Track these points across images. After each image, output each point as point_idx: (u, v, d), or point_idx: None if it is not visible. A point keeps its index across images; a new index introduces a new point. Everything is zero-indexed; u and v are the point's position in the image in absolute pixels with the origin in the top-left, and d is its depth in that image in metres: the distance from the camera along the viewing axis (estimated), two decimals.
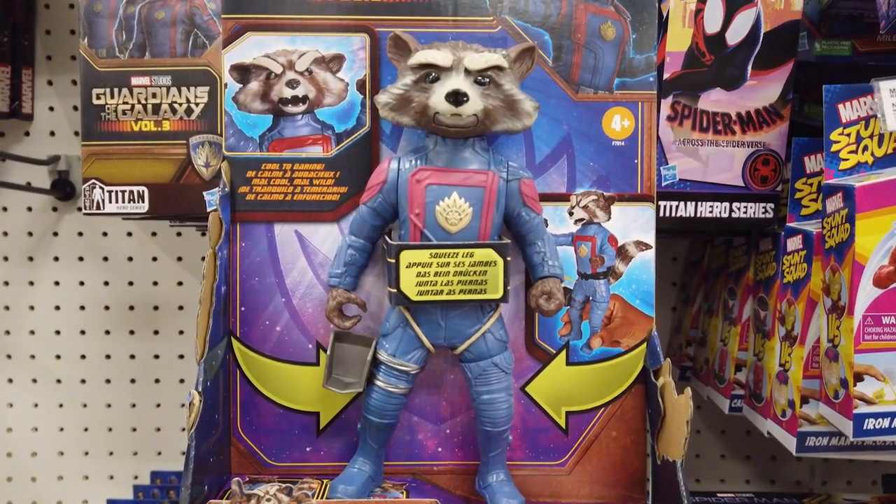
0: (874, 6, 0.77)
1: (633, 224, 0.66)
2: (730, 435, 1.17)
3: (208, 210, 0.83)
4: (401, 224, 0.60)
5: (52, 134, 1.13)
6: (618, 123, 0.65)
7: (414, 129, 0.60)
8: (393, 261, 0.57)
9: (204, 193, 0.82)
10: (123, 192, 0.85)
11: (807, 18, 0.87)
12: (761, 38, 0.82)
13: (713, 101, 0.82)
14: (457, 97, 0.55)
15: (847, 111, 0.78)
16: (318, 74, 0.63)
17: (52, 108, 1.12)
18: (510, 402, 0.62)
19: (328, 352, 0.61)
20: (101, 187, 0.86)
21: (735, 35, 0.82)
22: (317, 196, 0.64)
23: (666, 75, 0.82)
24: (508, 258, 0.58)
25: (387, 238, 0.61)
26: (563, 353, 0.66)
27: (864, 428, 0.71)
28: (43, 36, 1.12)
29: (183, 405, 1.15)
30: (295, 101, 0.63)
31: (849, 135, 0.78)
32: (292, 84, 0.63)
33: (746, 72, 0.82)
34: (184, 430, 1.18)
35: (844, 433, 0.71)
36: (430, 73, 0.57)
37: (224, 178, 0.62)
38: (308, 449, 0.65)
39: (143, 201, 0.85)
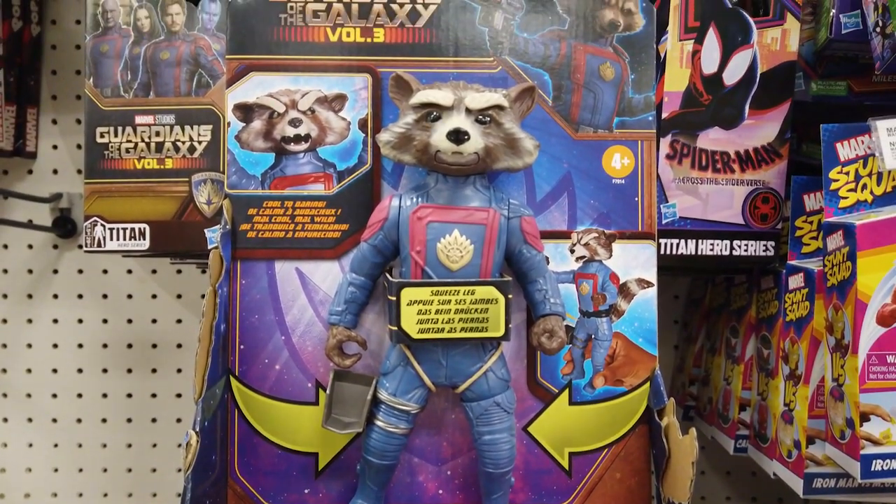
0: (868, 48, 0.78)
1: (635, 262, 0.66)
2: (735, 476, 1.16)
3: (209, 247, 0.84)
4: (402, 261, 0.60)
5: (55, 172, 1.14)
6: (618, 162, 0.65)
7: (415, 166, 0.61)
8: (394, 298, 0.57)
9: (205, 231, 0.84)
10: (125, 229, 0.86)
11: (802, 59, 0.88)
12: (758, 79, 0.83)
13: (712, 139, 0.84)
14: (458, 136, 0.55)
15: (845, 150, 0.78)
16: (320, 113, 0.64)
17: (55, 147, 1.14)
18: (512, 442, 0.61)
19: (328, 391, 0.61)
20: (102, 224, 0.86)
21: (732, 75, 0.83)
22: (318, 233, 0.64)
23: (664, 114, 0.83)
24: (510, 296, 0.58)
25: (388, 275, 0.61)
26: (566, 392, 0.65)
27: (872, 469, 0.70)
28: (49, 76, 1.13)
29: (179, 445, 1.14)
30: (297, 139, 0.64)
31: (847, 173, 0.78)
32: (295, 123, 0.63)
33: (744, 111, 0.84)
34: (180, 470, 1.16)
35: (852, 475, 0.70)
36: (432, 113, 0.57)
37: (226, 215, 0.63)
38: (306, 491, 0.63)
39: (145, 238, 0.86)
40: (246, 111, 0.64)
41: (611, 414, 0.65)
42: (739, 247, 0.86)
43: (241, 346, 0.63)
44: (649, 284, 0.66)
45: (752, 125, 0.84)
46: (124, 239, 0.86)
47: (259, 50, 0.64)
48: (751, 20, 0.83)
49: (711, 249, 0.85)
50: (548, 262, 0.64)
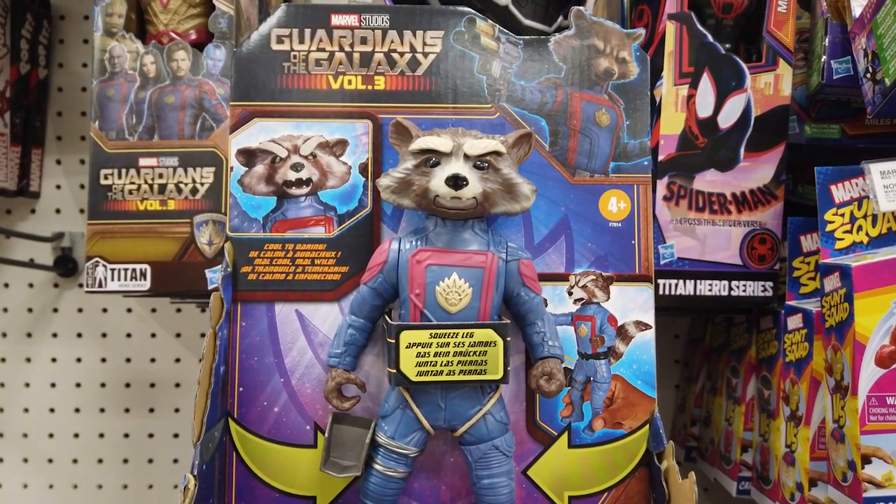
0: (860, 92, 0.80)
1: (633, 304, 0.66)
2: None
3: (210, 287, 0.85)
4: (401, 304, 0.61)
5: (58, 211, 1.16)
6: (614, 205, 0.66)
7: (414, 210, 0.61)
8: (392, 341, 0.58)
9: (206, 271, 0.85)
10: (126, 269, 0.87)
11: (796, 103, 0.90)
12: (752, 122, 0.85)
13: (708, 181, 0.85)
14: (456, 181, 0.56)
15: (840, 192, 0.79)
16: (321, 158, 0.65)
17: (59, 187, 1.16)
18: (512, 486, 0.61)
19: (326, 434, 0.61)
20: (104, 265, 0.87)
21: (727, 119, 0.85)
22: (318, 276, 0.65)
23: (661, 157, 0.85)
24: (508, 338, 0.59)
25: (387, 318, 0.61)
26: (565, 435, 0.65)
27: None
28: (54, 117, 1.16)
29: (176, 486, 1.14)
30: (299, 183, 0.65)
31: (843, 215, 0.79)
32: (297, 167, 0.65)
33: (739, 154, 0.86)
34: None
35: None
36: (431, 158, 0.58)
37: (227, 258, 0.63)
38: None
39: (146, 279, 0.87)
40: (249, 156, 0.65)
41: (610, 457, 0.65)
42: (738, 287, 0.87)
43: (241, 389, 0.63)
44: (647, 327, 0.66)
45: (748, 167, 0.86)
46: (125, 279, 0.87)
47: (262, 97, 0.66)
48: (744, 65, 0.85)
49: (710, 290, 0.86)
50: (546, 305, 0.64)
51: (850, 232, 0.80)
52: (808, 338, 0.82)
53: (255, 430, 0.63)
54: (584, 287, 0.66)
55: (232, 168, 0.65)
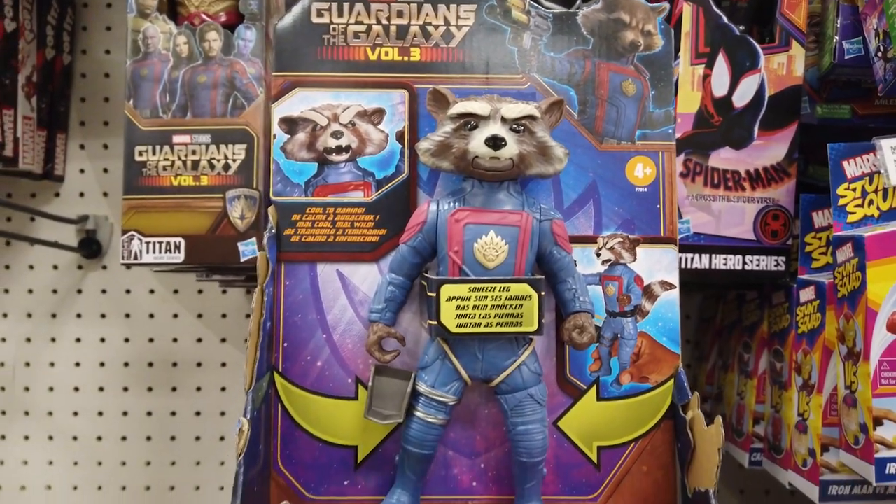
0: (871, 72, 0.82)
1: (658, 265, 0.69)
2: (749, 494, 1.16)
3: (242, 259, 0.87)
4: (439, 262, 0.63)
5: (82, 195, 1.17)
6: (640, 171, 0.69)
7: (452, 173, 0.64)
8: (434, 294, 0.60)
9: (238, 244, 0.86)
10: (161, 242, 0.88)
11: (808, 84, 0.92)
12: (766, 101, 0.87)
13: (723, 158, 0.87)
14: (495, 141, 0.59)
15: (851, 167, 0.81)
16: (360, 126, 0.68)
17: (82, 171, 1.17)
18: (545, 433, 0.64)
19: (369, 385, 0.63)
20: (139, 238, 0.88)
21: (741, 98, 0.87)
22: (358, 238, 0.67)
23: (678, 135, 0.87)
24: (542, 293, 0.61)
25: (425, 275, 0.64)
26: (594, 388, 0.68)
27: (887, 472, 0.71)
28: (78, 103, 1.17)
29: (199, 463, 1.15)
30: (339, 150, 0.67)
31: (854, 189, 0.81)
32: (336, 135, 0.67)
33: (753, 132, 0.87)
34: (198, 488, 1.17)
35: (867, 479, 0.71)
36: (470, 122, 0.61)
37: (271, 220, 0.66)
38: (346, 482, 0.66)
39: (180, 252, 0.87)
40: (290, 124, 0.67)
41: (637, 409, 0.68)
42: (751, 262, 0.89)
43: (285, 344, 0.66)
44: (672, 286, 0.69)
45: (762, 145, 0.88)
46: (160, 252, 0.88)
47: (303, 67, 0.68)
48: (758, 47, 0.87)
49: (724, 264, 0.88)
50: (576, 265, 0.67)
51: (861, 206, 0.81)
52: (820, 308, 0.84)
53: (299, 384, 0.66)
54: (611, 249, 0.68)
55: (275, 136, 0.67)
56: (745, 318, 1.05)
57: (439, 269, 0.64)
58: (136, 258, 0.89)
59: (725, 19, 0.86)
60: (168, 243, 0.88)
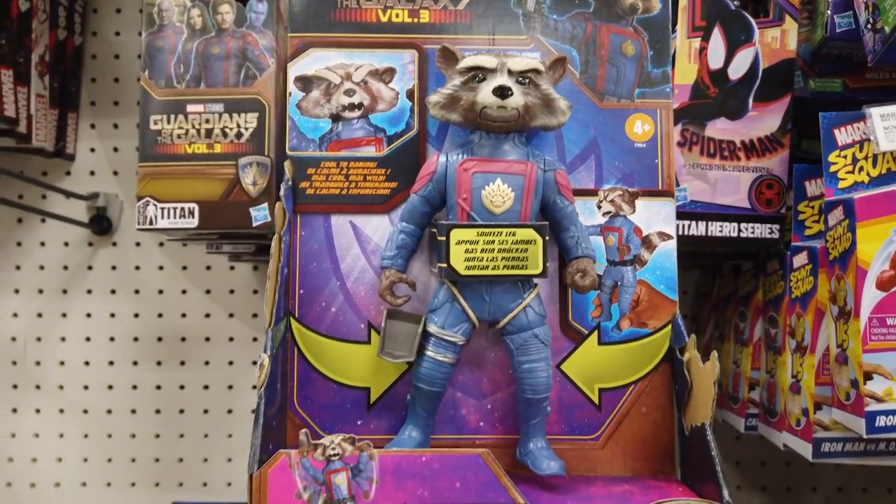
0: (861, 45, 0.84)
1: (656, 217, 0.72)
2: (745, 465, 1.16)
3: (255, 224, 0.88)
4: (448, 210, 0.66)
5: (92, 173, 1.17)
6: (639, 128, 0.72)
7: (460, 126, 0.67)
8: (444, 238, 0.63)
9: (251, 209, 0.86)
10: (175, 208, 0.88)
11: (800, 59, 0.94)
12: (760, 74, 0.88)
13: (719, 129, 0.89)
14: (503, 91, 0.62)
15: (843, 135, 0.83)
16: (372, 85, 0.70)
17: (93, 150, 1.17)
18: (549, 371, 0.67)
19: (381, 328, 0.66)
20: (154, 204, 0.89)
21: (736, 71, 0.89)
22: (370, 191, 0.70)
23: (675, 105, 0.88)
24: (547, 237, 0.64)
25: (436, 222, 0.66)
26: (595, 333, 0.71)
27: (877, 425, 0.73)
28: (89, 83, 1.18)
29: (207, 436, 1.16)
30: (351, 107, 0.70)
31: (845, 157, 0.83)
32: (349, 93, 0.70)
33: (748, 104, 0.89)
34: (206, 460, 1.16)
35: (857, 432, 0.73)
36: (478, 75, 0.64)
37: (287, 174, 0.69)
38: (359, 422, 0.69)
39: (194, 217, 0.88)
40: (306, 82, 0.70)
41: (636, 353, 0.71)
42: (746, 229, 0.90)
43: (301, 291, 0.69)
44: (669, 237, 0.72)
45: (756, 117, 0.89)
46: (175, 217, 0.88)
47: (318, 29, 0.71)
48: (752, 21, 0.89)
49: (720, 231, 0.90)
50: (577, 216, 0.70)
51: (852, 172, 0.83)
52: (812, 272, 0.86)
53: (315, 328, 0.69)
54: (611, 201, 0.71)
55: (290, 93, 0.70)
56: (740, 288, 1.07)
57: (448, 216, 0.67)
58: (151, 224, 0.90)
59: None
60: (182, 209, 0.89)
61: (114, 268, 1.17)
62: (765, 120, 0.89)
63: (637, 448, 0.70)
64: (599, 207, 0.72)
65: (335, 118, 0.70)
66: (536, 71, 0.65)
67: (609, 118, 0.72)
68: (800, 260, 0.88)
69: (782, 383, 0.91)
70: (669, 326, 0.71)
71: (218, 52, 0.89)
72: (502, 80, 0.63)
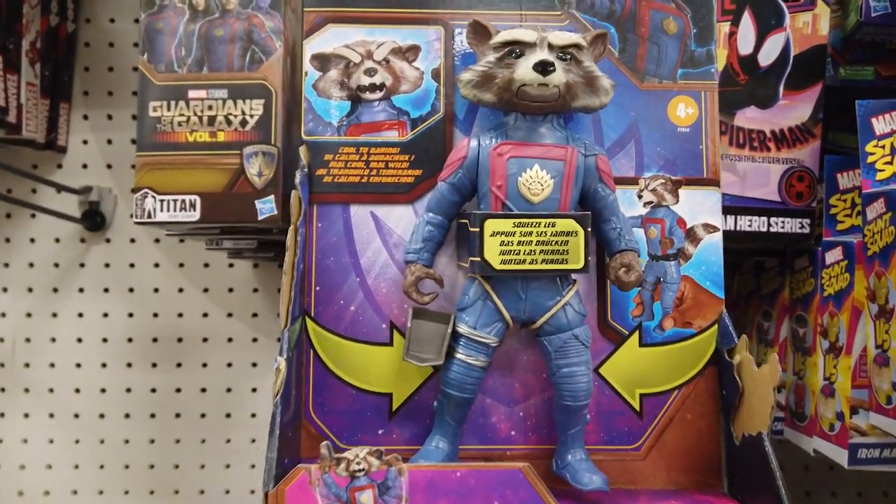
0: (894, 31, 0.81)
1: (700, 207, 0.68)
2: None
3: (260, 218, 0.84)
4: (480, 199, 0.61)
5: (85, 167, 1.14)
6: (682, 111, 0.68)
7: (493, 107, 0.62)
8: (477, 229, 0.58)
9: (256, 202, 0.82)
10: (175, 200, 0.84)
11: (831, 46, 0.91)
12: (791, 61, 0.85)
13: (748, 118, 0.86)
14: (544, 67, 0.57)
15: (880, 125, 0.80)
16: (394, 63, 0.66)
17: (85, 142, 1.14)
18: (590, 375, 0.62)
19: (407, 326, 0.61)
20: (153, 196, 0.86)
21: (767, 57, 0.86)
22: (392, 179, 0.66)
23: None
24: (589, 229, 0.60)
25: (466, 212, 0.62)
26: (636, 334, 0.66)
27: None
28: (81, 73, 1.14)
29: (204, 441, 1.12)
30: (372, 88, 0.66)
31: (883, 146, 0.80)
32: (370, 72, 0.65)
33: (779, 92, 0.86)
34: (203, 467, 1.13)
35: None
36: (515, 50, 0.59)
37: (303, 160, 0.64)
38: (380, 431, 0.64)
39: (195, 210, 0.84)
40: (323, 61, 0.66)
41: (680, 356, 0.66)
42: (776, 224, 0.88)
43: (317, 288, 0.64)
44: (715, 229, 0.67)
45: (787, 105, 0.86)
46: (175, 210, 0.84)
47: (336, 2, 0.67)
48: (783, 5, 0.86)
49: (750, 226, 0.87)
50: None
51: (890, 163, 0.79)
52: (848, 268, 0.82)
53: (332, 329, 0.64)
54: (653, 190, 0.67)
55: (306, 73, 0.66)
56: (763, 286, 1.04)
57: (480, 206, 0.62)
58: (149, 216, 0.85)
59: None
60: (183, 201, 0.85)
61: (107, 265, 1.14)
62: (796, 109, 0.87)
63: (681, 459, 0.65)
64: (640, 197, 0.68)
65: (355, 100, 0.66)
66: (578, 46, 0.60)
67: (650, 100, 0.68)
68: (833, 256, 0.85)
69: (813, 386, 0.88)
70: (716, 326, 0.67)
71: (222, 35, 0.85)
72: (542, 54, 0.58)
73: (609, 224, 0.62)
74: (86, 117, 1.14)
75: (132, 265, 1.14)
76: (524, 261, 0.58)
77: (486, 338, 0.61)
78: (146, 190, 0.86)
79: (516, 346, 0.65)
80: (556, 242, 0.59)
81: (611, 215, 0.62)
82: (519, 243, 0.58)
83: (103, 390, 1.12)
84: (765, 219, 0.88)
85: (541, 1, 0.68)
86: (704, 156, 0.68)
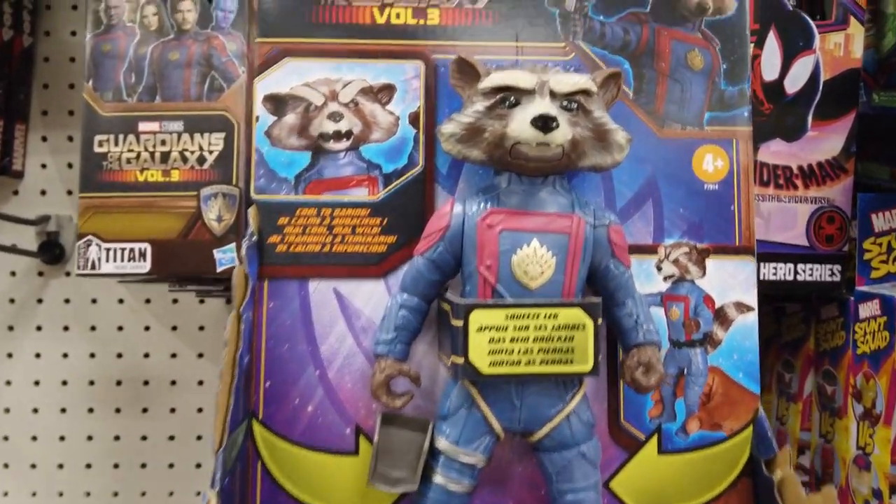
0: None
1: (732, 281, 0.59)
2: None
3: (219, 269, 0.78)
4: (465, 279, 0.51)
5: (44, 193, 1.09)
6: (710, 164, 0.60)
7: (483, 165, 0.53)
8: (460, 323, 0.48)
9: (214, 251, 0.78)
10: (123, 249, 0.81)
11: (863, 68, 0.85)
12: (821, 87, 0.80)
13: (773, 152, 0.80)
14: (545, 122, 0.46)
15: (879, 221, 0.78)
16: (364, 106, 0.58)
17: (44, 166, 1.09)
18: (600, 501, 0.52)
19: (374, 439, 0.51)
20: (98, 244, 0.82)
21: (794, 83, 0.80)
22: (360, 247, 0.57)
23: None
24: (600, 321, 0.50)
25: (448, 296, 0.52)
26: (655, 438, 0.57)
27: None
28: (40, 90, 1.10)
29: (171, 494, 1.07)
30: (337, 136, 0.58)
31: (880, 244, 0.78)
32: (335, 117, 0.58)
33: (807, 122, 0.80)
34: None
35: None
36: (509, 98, 0.49)
37: (252, 225, 0.56)
38: None
39: (145, 260, 0.80)
40: (278, 103, 0.58)
41: (708, 465, 0.57)
42: (804, 271, 0.82)
43: (268, 383, 0.55)
44: (749, 309, 0.59)
45: (816, 137, 0.80)
46: (122, 260, 0.81)
47: (295, 32, 0.59)
48: (812, 24, 0.80)
49: (774, 274, 0.82)
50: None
51: (885, 262, 0.78)
52: (888, 326, 0.76)
53: (285, 434, 0.55)
54: (675, 261, 0.58)
55: (258, 117, 0.58)
56: (785, 333, 0.98)
57: (465, 288, 0.51)
58: (93, 267, 0.81)
59: None
60: (132, 250, 0.81)
61: (67, 301, 1.09)
62: (826, 141, 0.81)
63: None
64: (659, 270, 0.59)
65: (316, 150, 0.58)
66: (587, 92, 0.50)
67: (671, 151, 0.60)
68: (869, 309, 0.80)
69: (843, 452, 0.83)
70: (750, 428, 0.58)
71: (177, 59, 0.81)
72: (543, 105, 0.48)
73: (623, 308, 0.52)
74: (45, 139, 1.09)
75: (94, 301, 1.09)
76: (519, 362, 0.48)
77: (470, 456, 0.50)
78: (90, 237, 0.81)
79: (508, 456, 0.56)
80: (559, 338, 0.48)
81: (625, 297, 0.52)
82: (512, 340, 0.48)
83: (62, 438, 1.07)
84: (791, 266, 0.83)
85: (540, 29, 0.59)
86: (736, 218, 0.60)
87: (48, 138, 1.08)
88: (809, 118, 0.80)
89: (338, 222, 0.57)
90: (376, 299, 0.56)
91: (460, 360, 0.48)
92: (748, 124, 0.61)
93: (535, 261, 0.48)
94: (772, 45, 0.81)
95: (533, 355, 0.48)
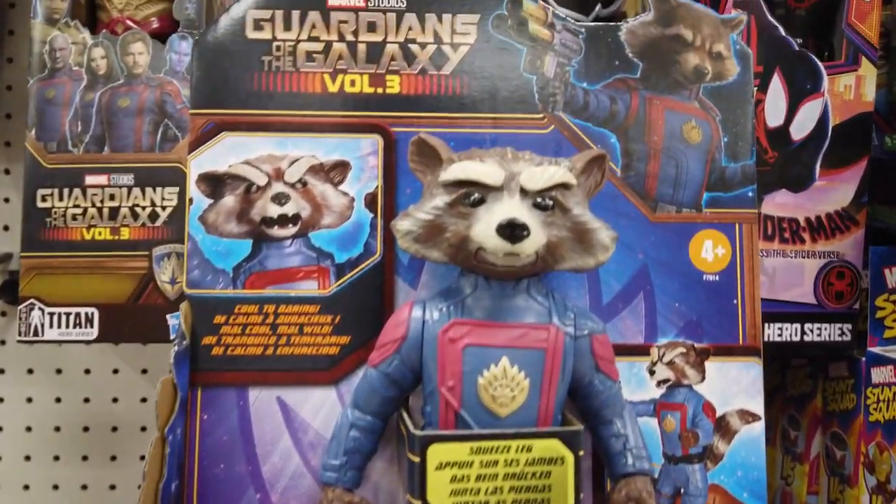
0: None
1: (735, 387, 0.54)
2: None
3: (172, 337, 0.74)
4: (425, 398, 0.45)
5: (7, 229, 1.06)
6: (709, 252, 0.55)
7: (446, 264, 0.47)
8: (417, 459, 0.42)
9: (168, 317, 0.77)
10: (68, 314, 0.78)
11: (875, 110, 0.83)
12: (830, 133, 0.77)
13: (778, 204, 0.77)
14: (513, 231, 0.40)
15: (893, 277, 0.76)
16: (314, 187, 0.53)
17: (7, 200, 1.06)
18: None
19: None
20: (40, 308, 0.80)
21: (800, 129, 0.77)
22: (309, 349, 0.52)
23: None
24: (581, 452, 0.43)
25: (405, 415, 0.46)
26: None
27: None
28: (3, 120, 1.07)
29: None
30: (283, 221, 0.53)
31: (894, 302, 0.76)
32: (280, 199, 0.52)
33: (815, 171, 0.78)
34: None
35: None
36: (473, 194, 0.43)
37: (183, 326, 0.49)
38: None
39: (92, 326, 0.78)
40: (214, 184, 0.52)
41: None
42: (811, 331, 0.80)
43: None
44: (755, 418, 0.53)
45: (824, 187, 0.78)
46: (67, 327, 0.79)
47: (234, 103, 0.53)
48: (820, 65, 0.77)
49: (780, 335, 0.79)
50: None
51: None
52: None
53: None
54: (670, 364, 0.53)
55: (191, 200, 0.52)
56: (790, 386, 0.95)
57: (425, 408, 0.45)
58: (36, 334, 0.79)
59: (783, 31, 0.77)
60: (78, 315, 0.79)
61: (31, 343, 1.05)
62: (835, 191, 0.79)
63: None
64: (652, 374, 0.53)
65: (258, 237, 0.53)
66: (565, 186, 0.43)
67: (665, 237, 0.55)
68: (882, 375, 0.77)
69: None
70: None
71: (127, 106, 0.79)
72: (512, 206, 0.41)
73: (610, 429, 0.46)
74: (7, 172, 1.06)
75: (60, 343, 1.02)
76: (487, 503, 0.42)
77: None
78: (33, 300, 0.79)
79: None
80: (534, 475, 0.42)
81: (612, 416, 0.46)
82: (479, 478, 0.42)
83: (26, 487, 1.05)
84: (798, 326, 0.80)
85: (515, 99, 0.54)
86: (740, 314, 0.54)
87: (11, 172, 1.05)
88: (817, 167, 0.77)
89: (283, 321, 0.51)
90: (327, 410, 0.50)
91: (417, 503, 0.42)
92: (753, 206, 0.56)
93: (506, 384, 0.42)
94: (776, 88, 0.78)
95: (503, 495, 0.42)
